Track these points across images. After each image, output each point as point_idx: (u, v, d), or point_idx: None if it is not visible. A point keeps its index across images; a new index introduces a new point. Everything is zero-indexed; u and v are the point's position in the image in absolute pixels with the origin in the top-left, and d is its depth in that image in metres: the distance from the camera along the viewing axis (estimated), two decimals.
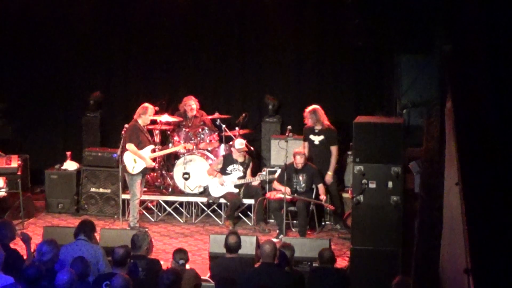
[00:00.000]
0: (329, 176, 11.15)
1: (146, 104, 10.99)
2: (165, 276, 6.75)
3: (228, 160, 11.59)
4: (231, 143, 11.79)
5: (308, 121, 11.26)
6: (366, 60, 12.81)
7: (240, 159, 11.54)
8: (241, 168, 11.50)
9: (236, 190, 11.52)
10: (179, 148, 11.66)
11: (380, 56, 12.48)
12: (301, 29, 13.23)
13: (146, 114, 10.87)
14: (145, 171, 11.01)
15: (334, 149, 11.22)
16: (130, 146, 10.79)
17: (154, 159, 11.35)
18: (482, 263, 2.28)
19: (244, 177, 11.53)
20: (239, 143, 11.48)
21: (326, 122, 11.29)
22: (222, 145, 12.01)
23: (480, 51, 3.36)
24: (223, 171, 11.55)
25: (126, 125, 10.96)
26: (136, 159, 10.79)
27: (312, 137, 11.29)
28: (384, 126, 9.36)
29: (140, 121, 10.86)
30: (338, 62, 13.20)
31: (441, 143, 5.34)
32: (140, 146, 10.80)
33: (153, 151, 10.95)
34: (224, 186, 11.45)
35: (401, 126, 9.40)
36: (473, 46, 3.51)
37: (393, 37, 11.87)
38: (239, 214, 11.64)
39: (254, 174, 11.76)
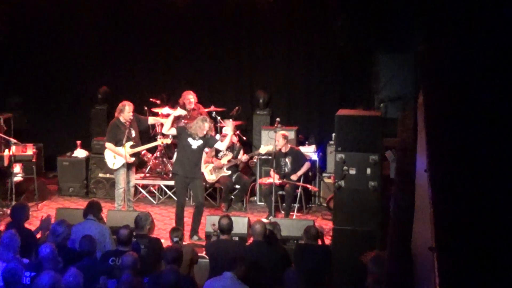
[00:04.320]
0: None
1: (125, 102, 10.66)
2: (168, 253, 6.83)
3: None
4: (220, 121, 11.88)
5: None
6: (348, 58, 12.78)
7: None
8: (230, 153, 11.52)
9: (229, 172, 11.51)
10: (158, 143, 11.53)
11: (360, 55, 12.45)
12: (290, 30, 13.24)
13: (124, 111, 10.50)
14: (126, 165, 10.62)
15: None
16: (108, 145, 10.55)
17: (146, 152, 11.49)
18: (444, 241, 2.32)
19: (235, 158, 11.53)
20: (229, 125, 11.39)
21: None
22: (218, 135, 12.01)
23: (449, 52, 3.38)
24: (215, 154, 11.61)
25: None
26: (115, 155, 10.56)
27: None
28: (364, 119, 9.38)
29: (121, 118, 10.53)
30: (323, 60, 13.18)
31: (414, 134, 5.36)
32: (118, 144, 10.47)
33: (133, 147, 10.68)
34: (219, 170, 11.47)
35: (378, 118, 9.40)
36: (443, 47, 3.54)
37: (373, 38, 11.89)
38: (232, 196, 11.64)
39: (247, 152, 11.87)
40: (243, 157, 11.49)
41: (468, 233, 2.24)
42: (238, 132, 11.82)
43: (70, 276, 5.93)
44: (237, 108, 12.39)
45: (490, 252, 2.18)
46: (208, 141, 10.06)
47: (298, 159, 11.18)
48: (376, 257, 6.31)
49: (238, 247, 7.88)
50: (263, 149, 11.23)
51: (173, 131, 10.24)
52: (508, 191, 2.20)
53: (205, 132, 9.79)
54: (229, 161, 11.41)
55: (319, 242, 8.06)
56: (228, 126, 11.29)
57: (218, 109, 12.31)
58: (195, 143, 9.74)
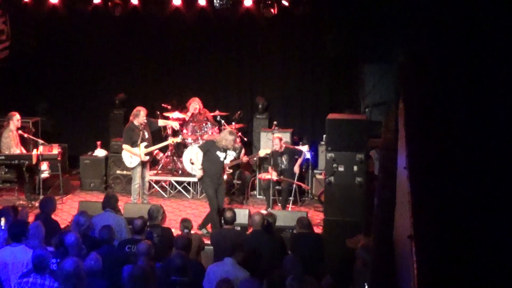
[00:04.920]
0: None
1: (139, 107, 10.69)
2: (178, 241, 6.85)
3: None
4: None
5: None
6: (337, 68, 12.82)
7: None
8: (234, 153, 11.51)
9: (231, 171, 11.50)
10: (169, 142, 11.53)
11: (348, 65, 12.48)
12: (286, 43, 13.26)
13: (139, 116, 10.53)
14: (142, 163, 10.65)
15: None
16: (125, 146, 10.56)
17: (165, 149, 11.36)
18: (421, 230, 2.33)
19: (238, 158, 11.51)
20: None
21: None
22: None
23: (426, 62, 3.40)
24: None
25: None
26: (131, 155, 10.56)
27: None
28: (351, 122, 9.39)
29: (135, 122, 10.56)
30: (315, 70, 13.22)
31: (395, 135, 5.36)
32: (134, 145, 10.49)
33: (147, 147, 10.68)
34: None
35: (364, 121, 9.41)
36: (420, 58, 3.55)
37: (359, 50, 11.90)
38: (234, 191, 11.63)
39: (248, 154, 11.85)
40: (244, 158, 11.49)
41: (443, 223, 2.25)
42: (239, 134, 11.81)
43: (91, 260, 5.94)
44: (239, 112, 12.38)
45: (464, 240, 2.19)
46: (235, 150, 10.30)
47: (293, 155, 11.22)
48: (364, 245, 6.34)
49: (239, 235, 7.89)
50: (261, 152, 11.32)
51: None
52: (477, 184, 2.22)
53: (234, 144, 9.80)
54: (231, 161, 11.42)
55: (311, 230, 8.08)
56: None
57: (222, 113, 12.29)
58: (223, 155, 9.66)
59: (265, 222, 7.74)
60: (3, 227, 7.02)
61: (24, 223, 7.11)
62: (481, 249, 2.10)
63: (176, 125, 11.52)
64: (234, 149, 11.36)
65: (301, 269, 6.10)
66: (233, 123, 11.93)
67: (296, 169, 11.09)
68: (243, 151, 11.72)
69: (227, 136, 9.51)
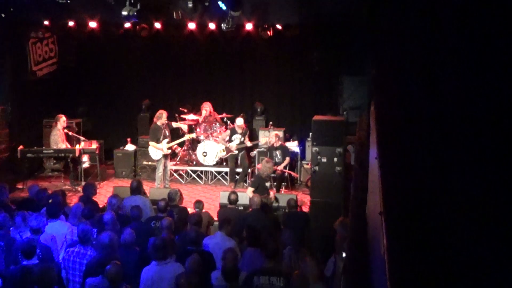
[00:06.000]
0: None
1: (162, 111, 10.80)
2: (192, 218, 6.85)
3: (232, 132, 11.63)
4: (234, 122, 11.82)
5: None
6: (321, 79, 12.83)
7: (239, 130, 11.53)
8: (240, 136, 11.50)
9: (236, 152, 11.47)
10: (186, 138, 11.57)
11: (330, 77, 12.50)
12: (280, 59, 13.27)
13: (162, 118, 10.67)
14: (165, 156, 10.77)
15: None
16: (151, 143, 10.66)
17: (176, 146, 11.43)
18: (390, 208, 2.34)
19: (242, 142, 11.49)
20: (239, 121, 11.55)
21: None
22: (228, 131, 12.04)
23: (391, 75, 3.40)
24: (229, 140, 11.61)
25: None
26: (156, 150, 10.66)
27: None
28: (332, 122, 9.38)
29: (158, 123, 10.66)
30: (303, 81, 13.20)
31: (367, 132, 5.36)
32: (158, 141, 10.59)
33: (169, 142, 10.75)
34: (229, 150, 11.48)
35: (342, 122, 9.41)
36: (387, 72, 3.56)
37: (339, 65, 11.95)
38: (236, 177, 11.64)
39: (251, 140, 11.85)
40: (247, 142, 11.47)
41: (407, 201, 2.26)
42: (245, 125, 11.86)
43: (127, 234, 5.96)
44: (241, 115, 12.37)
45: (424, 214, 2.20)
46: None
47: (285, 152, 11.21)
48: (343, 221, 6.35)
49: (241, 213, 7.89)
50: (262, 140, 11.48)
51: None
52: (432, 168, 2.23)
53: (271, 170, 9.72)
54: (237, 145, 11.45)
55: (298, 209, 8.08)
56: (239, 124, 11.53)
57: (228, 116, 12.40)
58: (268, 184, 9.56)
59: (261, 203, 7.75)
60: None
61: (59, 204, 7.12)
62: (440, 221, 2.11)
63: (184, 127, 11.70)
64: (242, 134, 11.38)
65: (297, 242, 6.12)
66: (246, 135, 11.91)
67: (281, 167, 11.00)
68: (247, 135, 11.68)
69: (266, 165, 9.44)
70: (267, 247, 5.68)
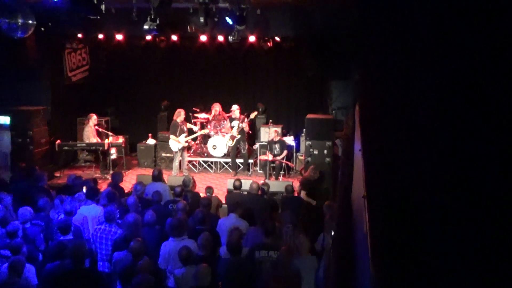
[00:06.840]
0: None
1: (180, 109, 10.87)
2: (203, 201, 6.83)
3: (231, 120, 11.65)
4: (231, 109, 11.73)
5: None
6: (313, 83, 12.81)
7: (236, 116, 11.50)
8: (238, 122, 11.45)
9: (239, 136, 11.35)
10: (200, 133, 11.55)
11: (321, 81, 12.48)
12: (278, 65, 13.20)
13: (180, 115, 10.75)
14: (182, 148, 10.84)
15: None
16: (171, 137, 10.73)
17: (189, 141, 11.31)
18: (372, 192, 2.32)
19: (241, 128, 11.42)
20: (235, 108, 11.53)
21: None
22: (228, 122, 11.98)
23: (373, 79, 3.38)
24: (231, 127, 11.58)
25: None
26: (175, 143, 10.70)
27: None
28: (322, 120, 9.39)
29: (178, 120, 10.72)
30: (298, 84, 13.15)
31: (353, 129, 5.33)
32: (177, 135, 10.67)
33: (186, 136, 10.83)
34: (233, 137, 11.40)
35: (331, 120, 9.43)
36: (369, 77, 3.53)
37: (328, 71, 11.93)
38: (240, 166, 11.61)
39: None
40: (243, 124, 11.39)
41: (386, 186, 2.24)
42: (250, 123, 11.80)
43: (149, 215, 5.97)
44: (245, 114, 12.35)
45: (401, 198, 2.18)
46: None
47: (283, 146, 11.16)
48: (329, 204, 6.35)
49: (244, 197, 7.86)
50: (252, 115, 11.43)
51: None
52: (410, 155, 2.20)
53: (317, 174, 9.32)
54: (237, 130, 11.41)
55: (295, 194, 8.06)
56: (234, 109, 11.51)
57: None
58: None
59: (260, 188, 7.71)
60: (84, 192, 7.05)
61: (95, 189, 7.12)
62: (414, 203, 2.09)
63: (195, 128, 11.67)
64: (240, 120, 11.32)
65: (295, 222, 6.10)
66: (246, 119, 11.85)
67: (279, 158, 10.93)
68: (246, 121, 11.58)
69: (312, 171, 9.14)
70: (265, 226, 5.67)
